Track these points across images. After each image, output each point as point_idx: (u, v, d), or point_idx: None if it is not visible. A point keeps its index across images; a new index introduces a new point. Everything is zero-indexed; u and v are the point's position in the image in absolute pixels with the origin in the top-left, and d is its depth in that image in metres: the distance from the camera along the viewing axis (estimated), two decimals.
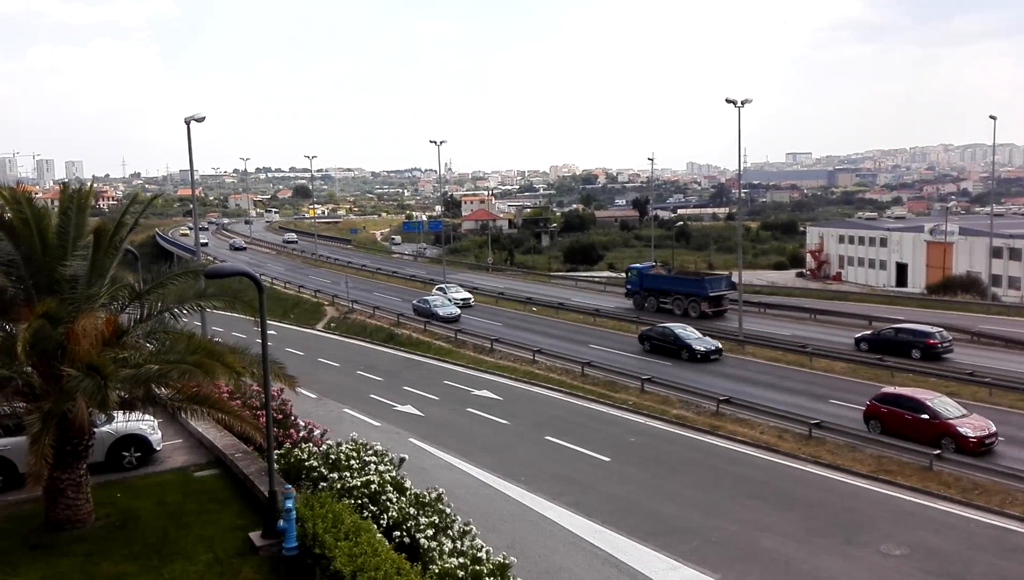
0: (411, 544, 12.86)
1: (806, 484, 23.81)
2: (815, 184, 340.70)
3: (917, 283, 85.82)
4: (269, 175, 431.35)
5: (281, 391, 18.89)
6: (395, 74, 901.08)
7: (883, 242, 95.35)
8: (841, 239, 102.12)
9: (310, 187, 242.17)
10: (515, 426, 30.48)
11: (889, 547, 18.98)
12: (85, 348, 12.81)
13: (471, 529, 13.65)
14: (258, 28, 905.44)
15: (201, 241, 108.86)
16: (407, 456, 17.01)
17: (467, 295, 63.22)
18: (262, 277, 14.16)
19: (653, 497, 22.60)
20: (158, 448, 18.25)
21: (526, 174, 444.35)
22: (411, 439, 28.19)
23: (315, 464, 15.27)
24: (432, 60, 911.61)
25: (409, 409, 33.28)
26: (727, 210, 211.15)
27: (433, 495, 14.29)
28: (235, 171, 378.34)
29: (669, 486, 23.60)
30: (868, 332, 43.59)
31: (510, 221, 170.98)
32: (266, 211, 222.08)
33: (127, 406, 14.48)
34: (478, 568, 11.65)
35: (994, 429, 26.49)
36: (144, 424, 17.73)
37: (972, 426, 26.23)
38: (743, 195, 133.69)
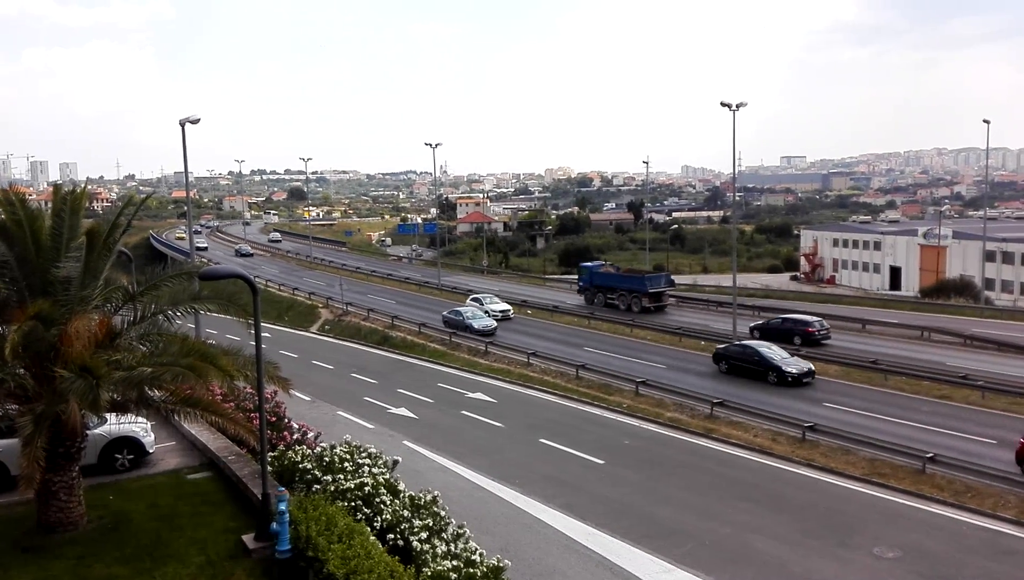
0: (405, 547, 12.86)
1: (799, 487, 23.86)
2: (809, 187, 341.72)
3: (911, 286, 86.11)
4: (264, 177, 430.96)
5: (275, 393, 18.84)
6: (391, 76, 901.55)
7: (877, 245, 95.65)
8: (835, 242, 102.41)
9: (305, 189, 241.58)
10: (509, 429, 30.48)
11: (882, 549, 19.03)
12: (78, 350, 12.80)
13: (465, 532, 13.65)
14: (253, 30, 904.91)
15: (200, 245, 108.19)
16: (400, 459, 17.02)
17: (506, 307, 57.32)
18: (256, 279, 14.11)
19: (647, 500, 22.62)
20: (151, 450, 18.22)
21: (521, 177, 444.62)
22: (405, 441, 28.16)
23: (309, 466, 15.26)
24: (428, 63, 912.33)
25: (403, 411, 33.25)
26: (722, 213, 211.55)
27: (428, 498, 14.30)
28: (230, 173, 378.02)
29: (663, 489, 23.62)
30: (760, 321, 49.05)
31: (505, 224, 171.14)
32: (264, 213, 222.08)
33: (120, 408, 14.46)
34: (472, 571, 11.66)
35: None
36: (137, 426, 17.70)
37: None
38: (738, 198, 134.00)
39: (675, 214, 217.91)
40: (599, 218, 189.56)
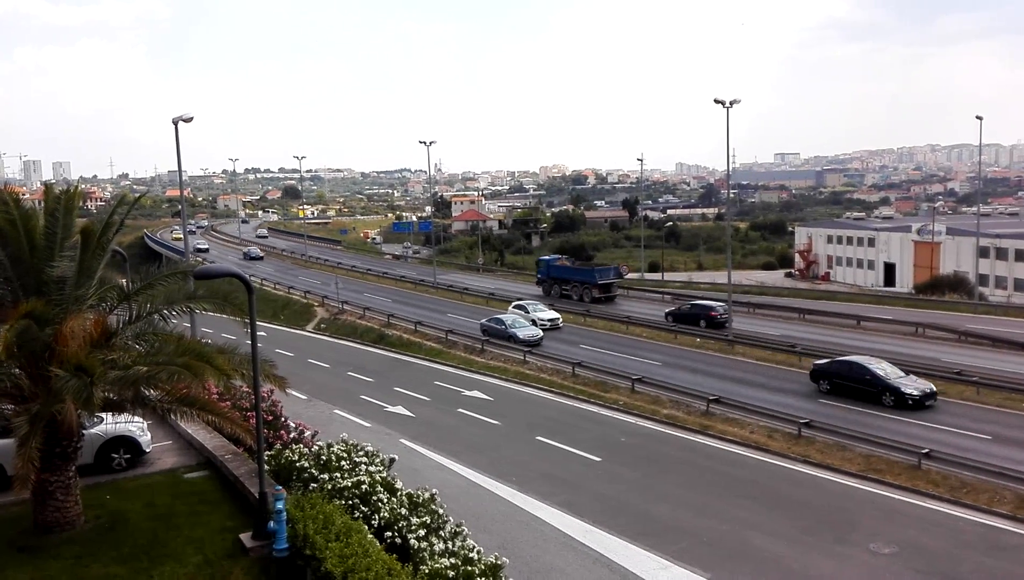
0: (402, 545, 12.84)
1: (796, 483, 23.91)
2: (803, 184, 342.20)
3: (905, 283, 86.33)
4: (258, 176, 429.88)
5: (271, 392, 18.82)
6: (384, 74, 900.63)
7: (871, 242, 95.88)
8: (829, 239, 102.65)
9: (299, 188, 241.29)
10: (506, 426, 30.48)
11: (878, 545, 19.08)
12: (73, 349, 12.75)
13: (463, 530, 13.64)
14: (247, 28, 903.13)
15: (200, 246, 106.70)
16: (397, 457, 17.02)
17: (554, 315, 51.82)
18: (252, 278, 14.10)
19: (644, 497, 22.65)
20: (148, 450, 18.18)
21: (516, 175, 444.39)
22: (402, 440, 28.15)
23: (306, 465, 15.24)
24: (422, 60, 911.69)
25: (400, 410, 33.22)
26: (716, 210, 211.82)
27: (426, 495, 14.28)
28: (224, 172, 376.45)
29: (660, 486, 23.65)
30: (673, 308, 54.97)
31: (500, 221, 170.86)
32: (262, 211, 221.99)
33: (116, 408, 14.42)
34: (469, 568, 11.65)
35: None
36: (133, 426, 17.65)
37: None
38: (732, 195, 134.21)
39: (670, 211, 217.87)
40: (594, 216, 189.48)
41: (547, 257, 74.26)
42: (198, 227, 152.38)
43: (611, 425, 30.59)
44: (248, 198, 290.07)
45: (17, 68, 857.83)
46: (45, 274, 13.65)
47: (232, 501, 15.40)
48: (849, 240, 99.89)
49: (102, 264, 14.90)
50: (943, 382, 34.14)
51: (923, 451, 24.64)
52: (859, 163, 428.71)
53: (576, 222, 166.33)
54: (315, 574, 11.39)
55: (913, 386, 31.82)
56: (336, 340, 53.83)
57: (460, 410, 32.91)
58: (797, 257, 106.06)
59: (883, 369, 32.94)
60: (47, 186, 16.74)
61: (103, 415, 15.96)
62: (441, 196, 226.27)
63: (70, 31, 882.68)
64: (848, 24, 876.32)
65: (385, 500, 13.89)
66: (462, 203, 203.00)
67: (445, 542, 12.89)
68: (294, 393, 27.47)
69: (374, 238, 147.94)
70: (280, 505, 12.45)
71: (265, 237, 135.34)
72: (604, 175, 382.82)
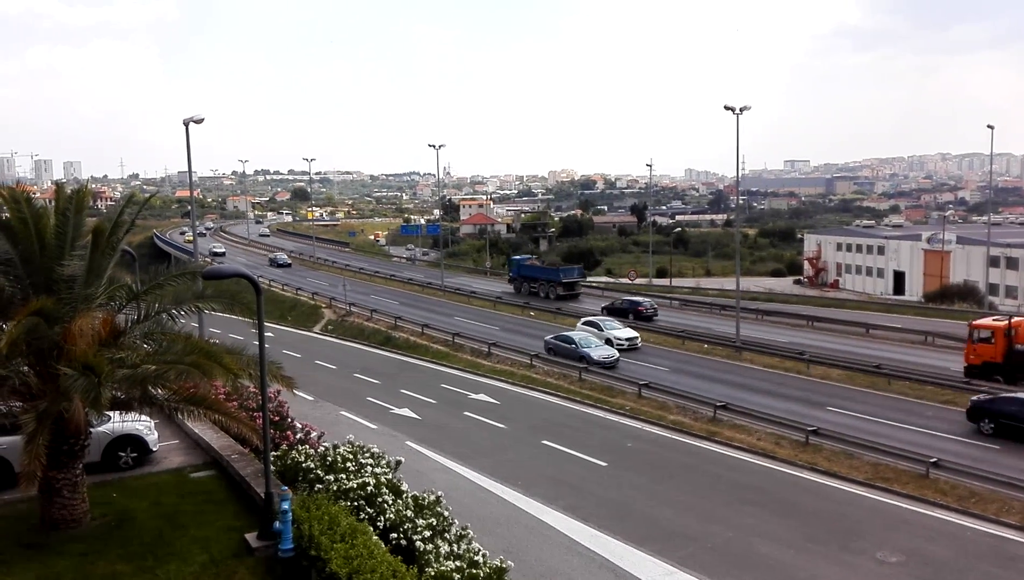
0: (408, 547, 12.84)
1: (803, 491, 23.80)
2: (813, 191, 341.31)
3: (915, 291, 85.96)
4: (268, 177, 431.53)
5: (278, 393, 18.87)
6: (394, 77, 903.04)
7: (881, 250, 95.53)
8: (839, 247, 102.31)
9: (308, 190, 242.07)
10: (512, 430, 30.45)
11: (885, 554, 18.97)
12: (82, 348, 12.80)
13: (468, 533, 13.63)
14: (257, 31, 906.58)
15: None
16: (403, 459, 17.01)
17: (632, 334, 46.85)
18: (260, 279, 14.14)
19: (649, 502, 22.58)
20: (154, 449, 18.23)
21: (525, 179, 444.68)
22: (408, 442, 28.14)
23: (312, 466, 15.26)
24: (431, 64, 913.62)
25: (406, 412, 33.23)
26: (725, 217, 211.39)
27: (431, 498, 14.28)
28: (233, 173, 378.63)
29: (666, 491, 23.58)
30: (607, 303, 60.51)
31: (508, 225, 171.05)
32: (277, 213, 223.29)
33: (123, 406, 14.47)
34: (474, 572, 11.65)
35: None
36: (141, 425, 17.71)
37: None
38: (741, 202, 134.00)
39: (678, 217, 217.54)
40: (602, 221, 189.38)
41: (518, 257, 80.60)
42: (205, 229, 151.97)
43: (617, 430, 30.52)
44: (257, 199, 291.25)
45: (29, 68, 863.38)
46: (55, 272, 13.71)
47: (238, 501, 15.42)
48: (859, 248, 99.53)
49: (111, 263, 14.97)
50: (952, 391, 33.98)
51: (931, 460, 24.49)
52: (869, 171, 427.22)
53: (584, 227, 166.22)
54: (320, 575, 11.39)
55: None
56: (343, 342, 53.91)
57: (466, 413, 32.90)
58: (806, 264, 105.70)
59: None
60: (59, 185, 16.83)
61: (110, 413, 16.01)
62: (450, 199, 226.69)
63: (83, 32, 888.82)
64: (860, 32, 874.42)
65: (391, 502, 13.89)
66: (470, 207, 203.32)
67: (450, 545, 12.89)
68: (301, 394, 27.48)
69: (377, 241, 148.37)
70: (286, 505, 12.46)
71: (267, 236, 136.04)
72: (613, 180, 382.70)
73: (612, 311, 57.01)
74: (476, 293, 71.64)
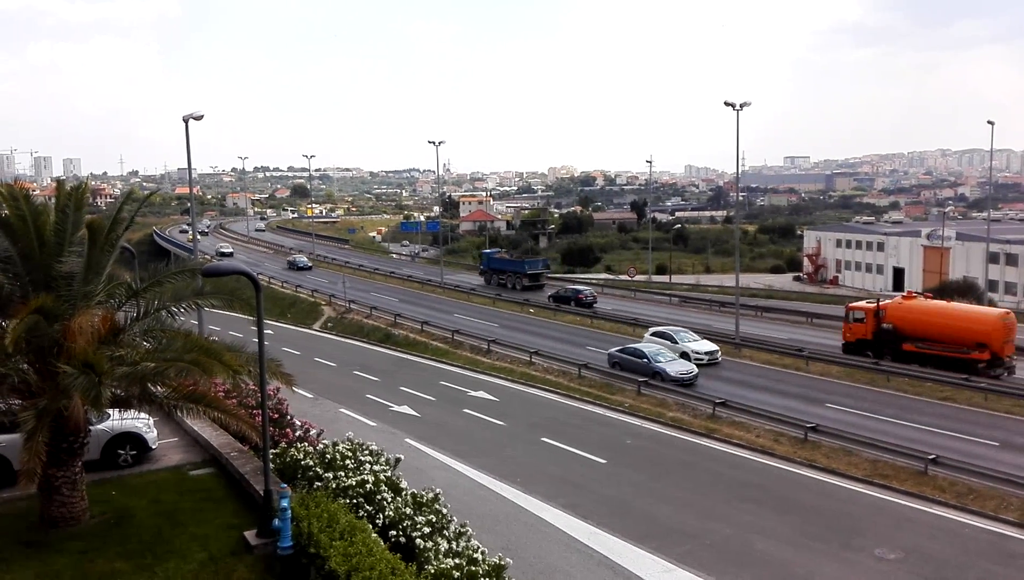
0: (407, 544, 12.84)
1: (801, 488, 23.83)
2: (813, 188, 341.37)
3: (914, 287, 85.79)
4: (267, 174, 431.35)
5: (277, 390, 18.85)
6: (394, 74, 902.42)
7: (880, 246, 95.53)
8: (838, 243, 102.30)
9: (308, 186, 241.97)
10: (511, 427, 30.47)
11: (884, 552, 19.00)
12: (81, 345, 12.79)
13: (467, 530, 13.64)
14: (258, 28, 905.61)
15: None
16: (403, 456, 17.00)
17: (711, 347, 41.64)
18: (259, 276, 14.16)
19: (648, 499, 22.61)
20: (154, 446, 18.23)
21: (524, 175, 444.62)
22: (407, 439, 28.16)
23: (311, 463, 15.24)
24: (431, 60, 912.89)
25: (405, 409, 33.25)
26: (725, 213, 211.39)
27: (430, 495, 14.28)
28: (233, 170, 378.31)
29: (664, 488, 23.60)
30: (552, 291, 66.03)
31: (508, 222, 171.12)
32: (284, 209, 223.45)
33: (123, 404, 14.45)
34: (474, 569, 11.64)
35: None
36: (140, 422, 17.70)
37: None
38: (741, 198, 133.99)
39: (678, 214, 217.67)
40: (602, 217, 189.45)
41: (488, 251, 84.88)
42: (205, 227, 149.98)
43: (617, 427, 30.55)
44: (257, 196, 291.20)
45: (30, 65, 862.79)
46: (54, 270, 13.70)
47: (237, 499, 15.43)
48: (858, 244, 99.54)
49: (111, 260, 14.96)
50: (952, 388, 34.01)
51: (930, 457, 24.51)
52: (869, 167, 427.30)
53: (584, 223, 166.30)
54: (319, 572, 11.40)
55: None
56: (343, 339, 53.92)
57: (466, 410, 32.92)
58: (806, 261, 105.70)
59: None
60: (59, 182, 16.83)
61: (110, 411, 16.01)
62: (449, 196, 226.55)
63: (84, 28, 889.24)
64: (860, 28, 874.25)
65: (390, 499, 13.89)
66: (470, 203, 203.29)
67: (450, 542, 12.88)
68: (300, 391, 27.48)
69: (373, 236, 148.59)
70: (285, 503, 12.46)
71: (263, 231, 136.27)
72: (613, 177, 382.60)
73: (557, 298, 62.93)
74: (476, 290, 71.66)
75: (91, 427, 15.10)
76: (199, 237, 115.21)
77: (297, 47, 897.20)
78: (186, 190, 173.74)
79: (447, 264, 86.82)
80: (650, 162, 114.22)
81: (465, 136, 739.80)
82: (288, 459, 15.64)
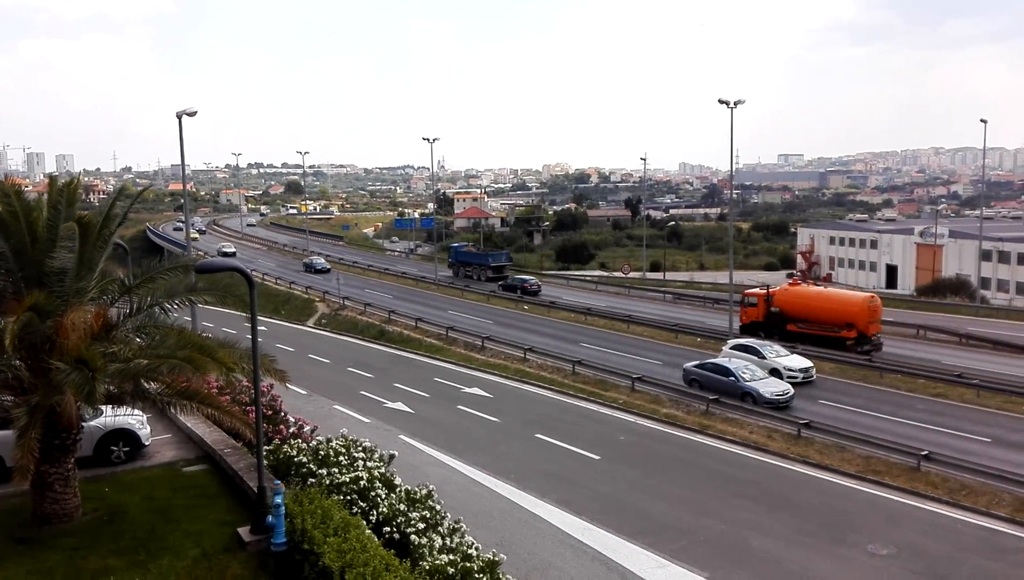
0: (401, 540, 12.85)
1: (794, 484, 23.90)
2: (807, 185, 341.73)
3: (907, 285, 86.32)
4: (261, 170, 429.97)
5: (271, 387, 18.85)
6: (389, 71, 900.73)
7: (873, 244, 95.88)
8: (832, 240, 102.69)
9: (302, 183, 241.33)
10: (505, 424, 30.48)
11: (877, 547, 19.07)
12: (74, 342, 12.76)
13: (461, 526, 13.65)
14: (252, 24, 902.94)
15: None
16: (396, 453, 17.00)
17: (806, 363, 36.81)
18: (253, 273, 14.14)
19: (642, 495, 22.65)
20: (147, 443, 18.18)
21: (519, 172, 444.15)
22: (401, 436, 28.17)
23: (304, 460, 15.25)
24: (426, 57, 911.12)
25: (399, 406, 33.23)
26: (719, 210, 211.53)
27: (423, 492, 14.29)
28: (227, 166, 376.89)
29: (658, 485, 23.64)
30: (501, 282, 71.03)
31: (502, 219, 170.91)
32: (284, 206, 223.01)
33: (116, 400, 14.40)
34: (468, 565, 11.65)
35: None
36: (133, 419, 17.64)
37: None
38: (735, 196, 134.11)
39: (672, 211, 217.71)
40: (596, 214, 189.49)
41: (455, 245, 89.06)
42: (203, 226, 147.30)
43: (611, 423, 30.59)
44: (251, 193, 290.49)
45: (22, 61, 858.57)
46: (46, 266, 13.65)
47: (231, 495, 15.41)
48: (851, 242, 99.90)
49: (103, 257, 14.89)
50: (944, 385, 34.16)
51: (923, 453, 24.61)
52: (862, 165, 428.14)
53: (578, 220, 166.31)
54: (313, 568, 11.40)
55: None
56: (337, 336, 53.86)
57: (460, 407, 32.92)
58: (799, 258, 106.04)
59: None
60: (51, 178, 16.75)
61: (103, 407, 15.96)
62: (444, 193, 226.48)
63: (77, 24, 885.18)
64: (855, 27, 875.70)
65: (384, 496, 13.90)
66: (465, 200, 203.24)
67: (444, 538, 12.90)
68: (294, 388, 27.50)
69: (364, 233, 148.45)
70: (279, 499, 12.45)
71: (254, 225, 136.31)
72: (607, 174, 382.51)
73: (505, 287, 68.63)
74: (470, 287, 71.66)
75: (84, 424, 15.04)
76: (197, 235, 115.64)
77: (292, 44, 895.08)
78: (179, 186, 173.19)
79: (441, 261, 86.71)
80: (644, 159, 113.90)
81: (460, 133, 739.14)
82: (282, 456, 15.63)
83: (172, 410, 15.63)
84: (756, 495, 22.75)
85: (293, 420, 19.68)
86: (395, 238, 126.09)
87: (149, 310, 14.71)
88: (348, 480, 14.18)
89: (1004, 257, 78.24)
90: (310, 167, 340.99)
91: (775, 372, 35.27)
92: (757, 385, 32.50)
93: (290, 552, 12.22)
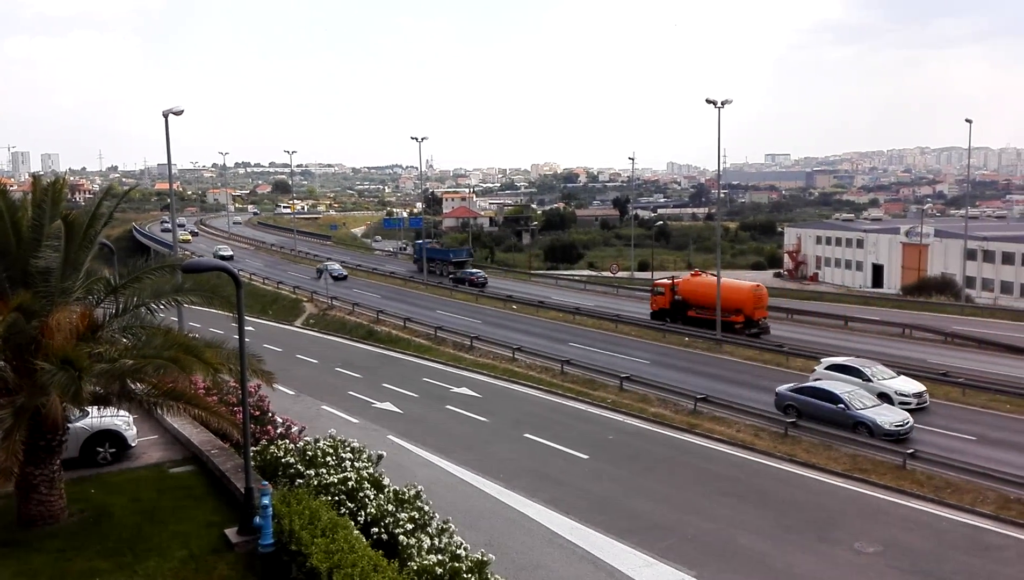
0: (389, 541, 12.83)
1: (781, 482, 24.02)
2: (793, 185, 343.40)
3: (893, 284, 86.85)
4: (248, 170, 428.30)
5: (258, 387, 18.78)
6: (377, 70, 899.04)
7: (859, 243, 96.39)
8: (818, 240, 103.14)
9: (290, 182, 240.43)
10: (494, 423, 30.49)
11: (862, 545, 19.19)
12: (59, 342, 12.68)
13: (450, 526, 13.64)
14: (239, 23, 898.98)
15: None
16: (385, 453, 16.97)
17: (919, 387, 31.94)
18: (240, 273, 14.08)
19: (630, 494, 22.70)
20: (133, 444, 18.09)
21: (507, 172, 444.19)
22: (389, 436, 28.13)
23: (292, 461, 15.20)
24: (415, 57, 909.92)
25: (388, 406, 33.18)
26: (706, 210, 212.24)
27: (412, 492, 14.28)
28: (214, 165, 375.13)
29: (646, 484, 23.71)
30: (451, 275, 78.64)
31: (491, 219, 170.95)
32: (277, 205, 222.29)
33: (102, 401, 14.33)
34: (456, 565, 11.65)
35: None
36: (119, 420, 17.56)
37: None
38: (722, 195, 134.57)
39: (660, 211, 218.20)
40: (585, 214, 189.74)
41: (420, 241, 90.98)
42: (195, 227, 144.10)
43: (599, 423, 30.64)
44: (238, 192, 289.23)
45: (7, 59, 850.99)
46: (31, 266, 13.55)
47: (218, 496, 15.35)
48: (838, 241, 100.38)
49: (89, 256, 14.81)
50: (929, 383, 34.37)
51: (908, 451, 24.78)
52: (849, 165, 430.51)
53: (567, 220, 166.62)
54: (300, 570, 11.37)
55: None
56: (325, 336, 53.71)
57: (448, 407, 32.89)
58: (786, 257, 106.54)
59: None
60: (35, 178, 16.63)
61: (88, 408, 15.87)
62: (432, 193, 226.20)
63: (62, 22, 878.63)
64: (841, 27, 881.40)
65: (372, 496, 13.87)
66: (453, 200, 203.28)
67: (432, 539, 12.88)
68: (282, 388, 27.42)
69: (352, 232, 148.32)
70: (266, 500, 12.41)
71: (239, 223, 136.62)
72: (596, 173, 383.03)
73: (455, 280, 74.72)
74: (458, 287, 71.60)
75: (69, 425, 14.95)
76: (190, 237, 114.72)
77: (279, 43, 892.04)
78: (166, 186, 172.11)
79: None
80: (632, 159, 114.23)
81: (448, 133, 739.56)
82: (269, 456, 15.57)
83: (159, 411, 15.55)
84: (743, 493, 22.85)
85: (281, 421, 19.63)
86: (378, 237, 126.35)
87: (135, 310, 14.64)
88: (336, 481, 14.15)
89: (989, 256, 78.83)
90: (298, 166, 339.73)
91: (883, 397, 30.42)
92: (871, 414, 27.76)
93: (278, 553, 12.19)
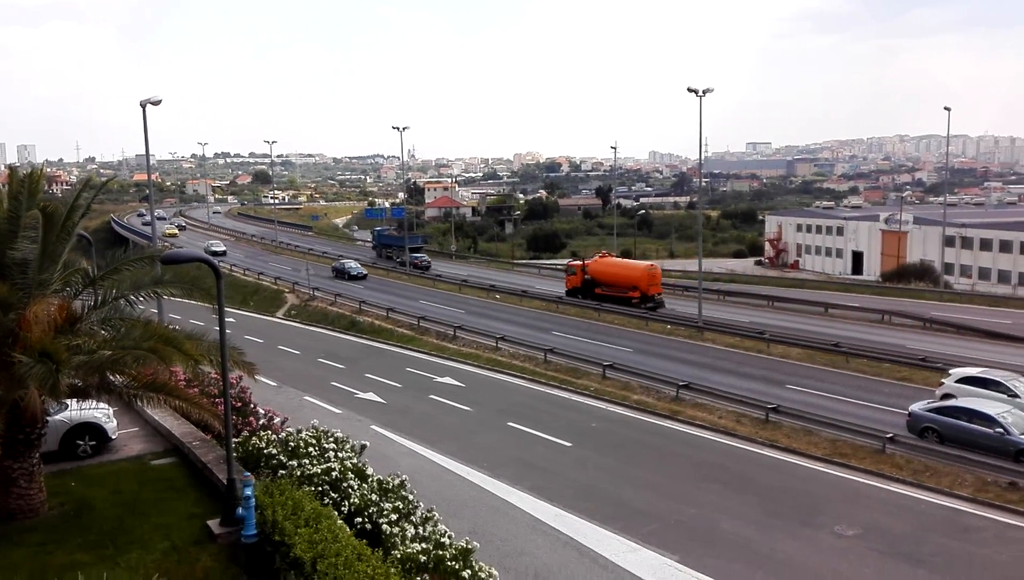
0: (373, 530, 12.84)
1: (763, 467, 24.22)
2: (774, 173, 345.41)
3: (872, 271, 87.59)
4: (228, 160, 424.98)
5: (240, 379, 18.67)
6: (358, 60, 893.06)
7: (840, 231, 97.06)
8: (799, 228, 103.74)
9: (270, 173, 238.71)
10: (477, 412, 30.53)
11: (843, 528, 19.41)
12: (37, 334, 12.54)
13: (434, 515, 13.66)
14: (219, 12, 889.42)
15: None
16: (368, 443, 16.96)
17: None
18: (221, 264, 13.97)
19: (613, 481, 22.82)
20: (113, 436, 17.96)
21: (490, 162, 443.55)
22: (373, 426, 28.10)
23: (274, 452, 15.15)
24: (396, 46, 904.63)
25: (371, 396, 33.13)
26: (688, 199, 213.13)
27: (396, 482, 14.28)
28: (193, 156, 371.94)
29: (630, 470, 23.83)
30: (399, 261, 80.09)
31: (474, 208, 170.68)
32: (264, 196, 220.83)
33: (81, 394, 14.21)
34: (441, 553, 11.68)
35: None
36: (99, 412, 17.43)
37: None
38: (704, 184, 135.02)
39: (642, 199, 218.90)
40: (567, 203, 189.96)
41: (379, 229, 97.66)
42: (179, 223, 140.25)
43: (582, 411, 30.76)
44: (218, 183, 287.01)
45: None
46: (8, 257, 13.39)
47: (200, 488, 15.28)
48: (818, 229, 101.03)
49: (67, 248, 14.65)
50: (909, 369, 34.76)
51: (887, 436, 25.03)
52: (829, 153, 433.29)
53: (549, 209, 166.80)
54: (284, 560, 11.35)
55: None
56: (307, 327, 53.50)
57: (432, 396, 32.89)
58: (767, 245, 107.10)
59: None
60: (11, 169, 16.42)
61: (68, 401, 15.74)
62: (414, 182, 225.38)
63: (37, 11, 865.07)
64: (822, 15, 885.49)
65: (356, 486, 13.86)
66: (435, 190, 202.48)
67: (416, 527, 12.90)
68: (264, 380, 27.26)
69: (335, 223, 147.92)
70: (249, 491, 12.37)
71: (218, 213, 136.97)
72: (578, 163, 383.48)
73: (401, 263, 78.34)
74: (441, 276, 71.48)
75: (49, 418, 14.82)
76: (177, 232, 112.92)
77: (259, 31, 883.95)
78: (144, 177, 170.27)
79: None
80: (615, 148, 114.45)
81: (431, 122, 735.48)
82: (251, 447, 15.51)
83: (139, 403, 15.41)
84: (725, 479, 23.03)
85: (263, 412, 19.53)
86: (355, 227, 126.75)
87: (114, 302, 14.50)
88: (319, 471, 14.13)
89: (967, 243, 79.62)
90: (278, 156, 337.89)
91: None
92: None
93: (261, 544, 12.16)
